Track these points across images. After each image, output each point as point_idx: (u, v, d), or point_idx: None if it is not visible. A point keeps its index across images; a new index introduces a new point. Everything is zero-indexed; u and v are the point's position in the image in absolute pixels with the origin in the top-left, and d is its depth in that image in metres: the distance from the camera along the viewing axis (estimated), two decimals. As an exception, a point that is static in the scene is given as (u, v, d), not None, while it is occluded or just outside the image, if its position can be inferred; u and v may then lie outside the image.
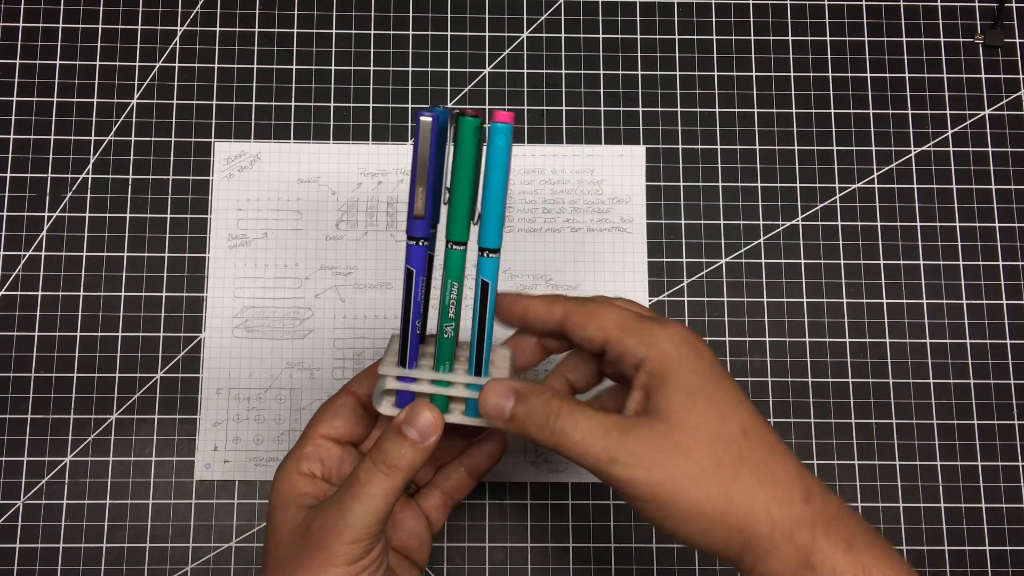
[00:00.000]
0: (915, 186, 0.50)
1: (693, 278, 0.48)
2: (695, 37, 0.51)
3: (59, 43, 0.50)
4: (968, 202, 0.49)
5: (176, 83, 0.50)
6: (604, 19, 0.51)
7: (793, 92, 0.50)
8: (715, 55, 0.51)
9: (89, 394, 0.46)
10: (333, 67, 0.50)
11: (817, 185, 0.50)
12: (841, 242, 0.49)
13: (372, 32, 0.51)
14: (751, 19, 0.51)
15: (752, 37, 0.51)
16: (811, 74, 0.51)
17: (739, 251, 0.49)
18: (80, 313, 0.47)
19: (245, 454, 0.46)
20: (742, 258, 0.49)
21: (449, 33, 0.51)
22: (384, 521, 0.31)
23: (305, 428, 0.35)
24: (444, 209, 0.32)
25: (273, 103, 0.50)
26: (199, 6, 0.50)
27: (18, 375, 0.46)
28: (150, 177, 0.49)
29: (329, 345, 0.47)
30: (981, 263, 0.49)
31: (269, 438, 0.46)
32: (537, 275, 0.48)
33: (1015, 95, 0.50)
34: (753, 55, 0.51)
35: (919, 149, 0.50)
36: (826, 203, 0.49)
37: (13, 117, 0.49)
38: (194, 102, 0.49)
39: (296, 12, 0.51)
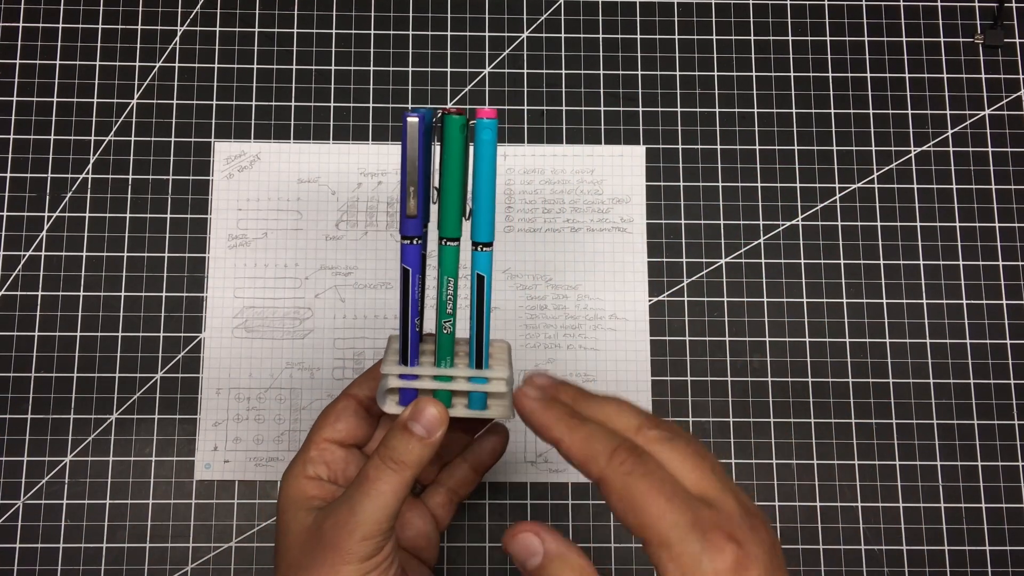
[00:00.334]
0: (915, 186, 0.50)
1: (693, 278, 0.48)
2: (695, 37, 0.51)
3: (59, 43, 0.50)
4: (968, 202, 0.49)
5: (176, 83, 0.50)
6: (604, 19, 0.51)
7: (793, 92, 0.50)
8: (715, 55, 0.51)
9: (89, 394, 0.46)
10: (333, 67, 0.50)
11: (817, 185, 0.50)
12: (841, 242, 0.49)
13: (372, 32, 0.51)
14: (751, 19, 0.51)
15: (752, 37, 0.51)
16: (811, 74, 0.51)
17: (739, 251, 0.49)
18: (80, 313, 0.47)
19: (245, 454, 0.46)
20: (742, 258, 0.49)
21: (449, 33, 0.51)
22: (394, 517, 0.31)
23: (308, 433, 0.35)
24: (434, 208, 0.32)
25: (273, 103, 0.50)
26: (199, 6, 0.50)
27: (18, 375, 0.46)
28: (150, 177, 0.49)
29: (329, 345, 0.47)
30: (981, 263, 0.49)
31: (269, 438, 0.46)
32: (537, 275, 0.48)
33: (1015, 95, 0.50)
34: (753, 55, 0.51)
35: (919, 149, 0.50)
36: (826, 203, 0.49)
37: (13, 117, 0.49)
38: (194, 102, 0.49)
39: (296, 12, 0.51)
